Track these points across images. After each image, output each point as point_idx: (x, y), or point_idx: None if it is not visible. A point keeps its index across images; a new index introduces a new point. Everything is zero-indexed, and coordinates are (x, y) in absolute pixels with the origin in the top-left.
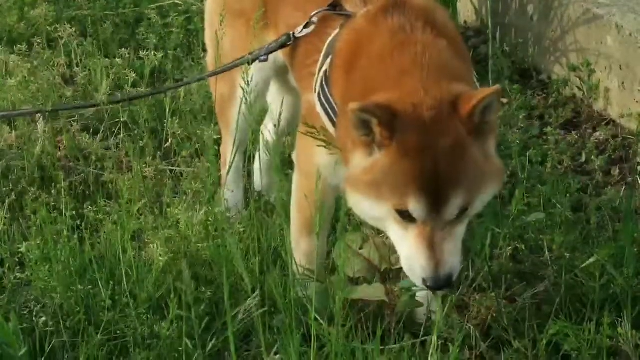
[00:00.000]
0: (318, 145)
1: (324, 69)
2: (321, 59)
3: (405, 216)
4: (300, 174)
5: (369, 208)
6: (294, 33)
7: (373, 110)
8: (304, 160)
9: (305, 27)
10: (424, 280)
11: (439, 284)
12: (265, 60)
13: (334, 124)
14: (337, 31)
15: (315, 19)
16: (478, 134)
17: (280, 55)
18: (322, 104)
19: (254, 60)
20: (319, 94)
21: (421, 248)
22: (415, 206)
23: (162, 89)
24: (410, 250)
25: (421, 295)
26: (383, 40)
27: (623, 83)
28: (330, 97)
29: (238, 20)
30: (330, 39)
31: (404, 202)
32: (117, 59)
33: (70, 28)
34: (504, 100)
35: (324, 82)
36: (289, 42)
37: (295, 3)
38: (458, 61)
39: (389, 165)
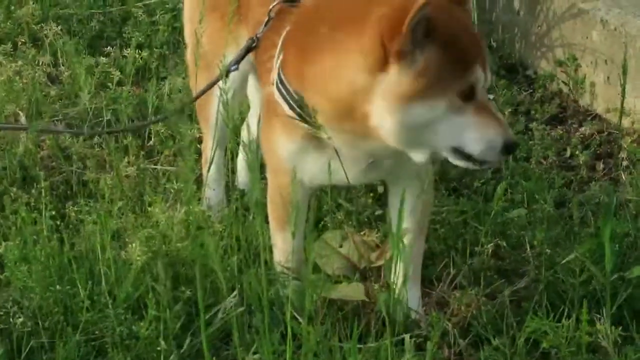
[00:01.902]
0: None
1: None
2: (277, 51)
3: (466, 96)
4: (269, 172)
5: (430, 111)
6: (256, 35)
7: (426, 12)
8: (270, 156)
9: (266, 25)
10: (506, 146)
11: (515, 143)
12: (237, 69)
13: (292, 109)
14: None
15: (272, 14)
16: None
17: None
18: (279, 91)
19: (228, 73)
20: (276, 83)
21: (492, 117)
22: (477, 74)
23: (145, 123)
24: (482, 128)
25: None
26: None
27: (608, 78)
28: (287, 83)
29: (212, 14)
30: (285, 31)
31: (468, 78)
32: (102, 58)
33: (56, 27)
34: (490, 96)
35: (280, 71)
36: (254, 44)
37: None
38: None
39: (442, 55)
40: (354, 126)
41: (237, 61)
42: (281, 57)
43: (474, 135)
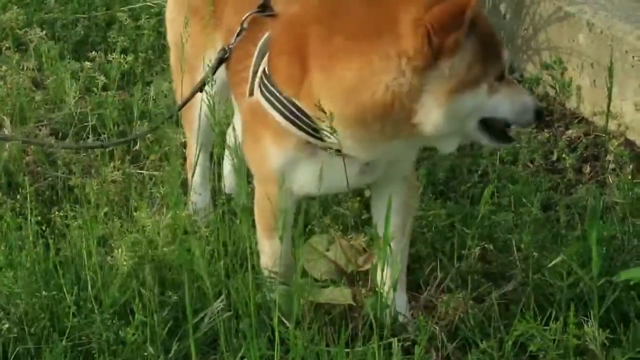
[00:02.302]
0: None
1: (261, 68)
2: (254, 61)
3: (498, 77)
4: (257, 181)
5: (472, 99)
6: (228, 46)
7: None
8: (258, 168)
9: (238, 35)
10: (538, 112)
11: (543, 108)
12: (214, 81)
13: (283, 115)
14: (267, 32)
15: (245, 24)
16: None
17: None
18: (268, 100)
19: (203, 85)
20: (261, 92)
21: (521, 89)
22: (506, 57)
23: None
24: (516, 97)
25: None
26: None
27: (595, 81)
28: (275, 90)
29: (193, 17)
30: (261, 41)
31: (502, 62)
32: (87, 62)
33: (41, 31)
34: None
35: (264, 80)
36: (226, 56)
37: (234, 6)
38: None
39: (483, 46)
40: (380, 128)
41: (213, 72)
42: (266, 65)
43: (510, 103)
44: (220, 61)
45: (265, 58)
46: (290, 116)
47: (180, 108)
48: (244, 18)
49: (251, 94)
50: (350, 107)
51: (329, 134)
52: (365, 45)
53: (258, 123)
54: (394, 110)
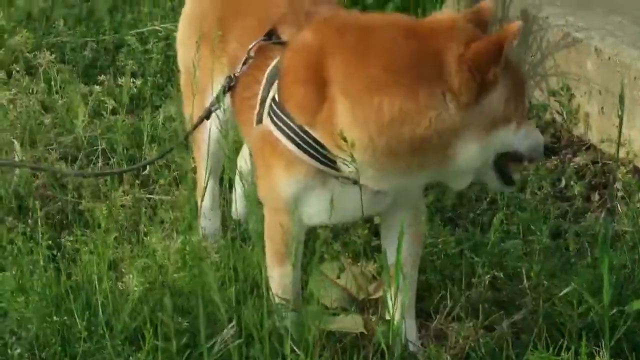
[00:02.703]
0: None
1: (270, 96)
2: (262, 89)
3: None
4: (267, 210)
5: (506, 134)
6: (234, 74)
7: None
8: (268, 197)
9: (244, 63)
10: (545, 145)
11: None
12: (219, 108)
13: (295, 143)
14: (276, 60)
15: (252, 53)
16: None
17: None
18: (279, 128)
19: (209, 114)
20: (272, 120)
21: (533, 124)
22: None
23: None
24: (531, 133)
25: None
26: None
27: (603, 108)
28: (287, 118)
29: (203, 41)
30: (270, 68)
31: (525, 105)
32: (96, 86)
33: (50, 55)
34: None
35: (274, 107)
36: (232, 83)
37: (238, 34)
38: None
39: (513, 81)
40: (413, 159)
41: (219, 100)
42: (276, 92)
43: (527, 138)
44: (227, 89)
45: (275, 85)
46: (303, 144)
47: (186, 136)
48: (251, 46)
49: (259, 121)
50: (384, 139)
51: (346, 163)
52: (408, 79)
53: (268, 151)
54: (431, 144)
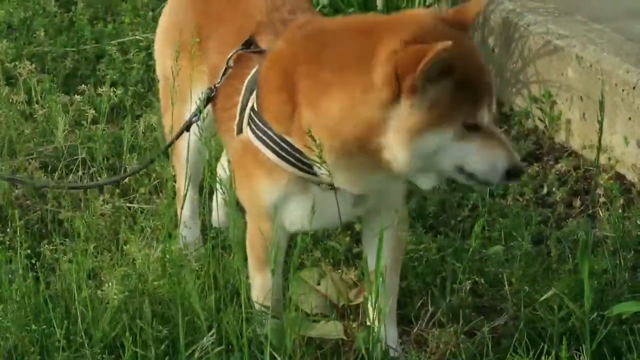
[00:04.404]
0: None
1: (249, 105)
2: (241, 98)
3: (470, 127)
4: (249, 216)
5: (438, 140)
6: (215, 85)
7: (443, 54)
8: (248, 203)
9: (224, 74)
10: (508, 172)
11: (521, 169)
12: (198, 120)
13: (274, 152)
14: (254, 69)
15: (231, 63)
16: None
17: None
18: (258, 137)
19: (190, 125)
20: (251, 129)
21: (496, 144)
22: (483, 108)
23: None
24: (486, 152)
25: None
26: (311, 45)
27: (584, 114)
28: (265, 127)
29: (182, 51)
30: (248, 78)
31: (475, 109)
32: (77, 96)
33: (30, 64)
34: None
35: (253, 117)
36: (212, 94)
37: (217, 44)
38: None
39: (455, 88)
40: (364, 160)
41: (199, 112)
42: (254, 102)
43: (476, 157)
44: (208, 100)
45: (254, 95)
46: (282, 152)
47: (167, 147)
48: (229, 56)
49: (239, 131)
50: (336, 139)
51: (319, 166)
52: (347, 76)
53: (248, 160)
54: (369, 144)
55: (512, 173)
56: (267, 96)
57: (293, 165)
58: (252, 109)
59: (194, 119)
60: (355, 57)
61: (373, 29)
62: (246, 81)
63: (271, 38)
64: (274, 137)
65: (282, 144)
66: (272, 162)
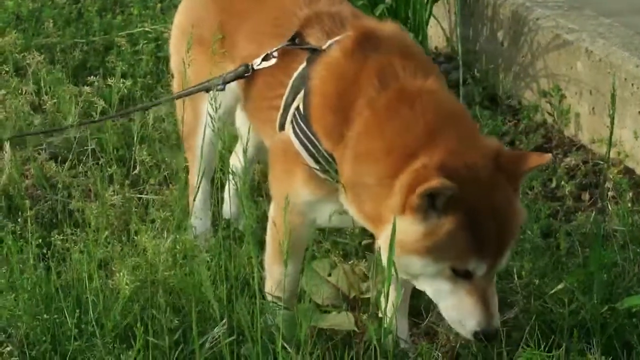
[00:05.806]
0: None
1: (294, 104)
2: (287, 93)
3: (460, 273)
4: (277, 208)
5: (421, 267)
6: (252, 65)
7: (443, 190)
8: (282, 198)
9: (264, 59)
10: (477, 333)
11: (493, 336)
12: (223, 90)
13: (315, 160)
14: (303, 65)
15: (275, 54)
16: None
17: (234, 85)
18: (301, 142)
19: (210, 89)
20: (294, 131)
21: (478, 303)
22: (477, 264)
23: (130, 109)
24: (462, 305)
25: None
26: (375, 85)
27: (593, 108)
28: (311, 135)
29: (198, 47)
30: (296, 73)
31: (466, 261)
32: (86, 87)
33: (39, 56)
34: None
35: (298, 119)
36: (247, 74)
37: (248, 34)
38: (449, 95)
39: (454, 229)
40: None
41: (226, 82)
42: (301, 104)
43: (448, 305)
44: (239, 76)
45: (300, 94)
46: (326, 166)
47: (177, 97)
48: (275, 49)
49: (281, 127)
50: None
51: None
52: (387, 161)
53: (290, 158)
54: (377, 216)
55: (481, 337)
56: (320, 108)
57: (333, 179)
58: (298, 109)
59: (219, 87)
60: (400, 149)
61: (432, 132)
62: (293, 77)
63: (320, 35)
64: (323, 152)
65: (329, 159)
66: (313, 170)
